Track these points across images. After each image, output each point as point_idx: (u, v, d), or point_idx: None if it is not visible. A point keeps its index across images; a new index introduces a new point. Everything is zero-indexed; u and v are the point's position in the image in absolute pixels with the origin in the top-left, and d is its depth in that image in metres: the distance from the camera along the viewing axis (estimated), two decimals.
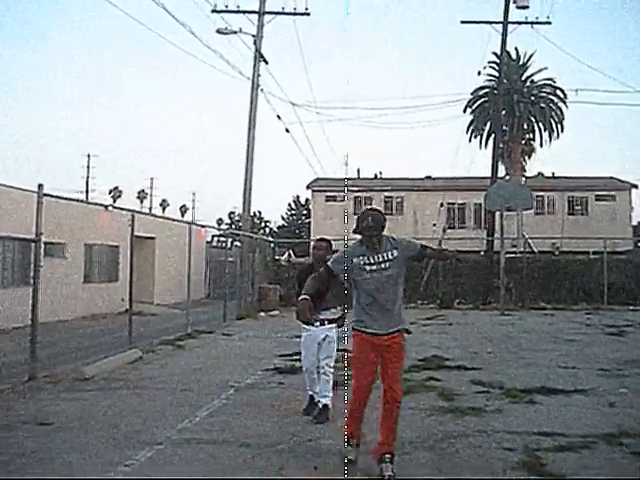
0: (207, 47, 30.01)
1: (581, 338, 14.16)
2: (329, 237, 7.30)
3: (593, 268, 25.06)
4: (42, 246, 9.49)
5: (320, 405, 6.90)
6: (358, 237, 5.07)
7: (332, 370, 7.05)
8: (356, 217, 5.10)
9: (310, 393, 7.16)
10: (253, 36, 22.61)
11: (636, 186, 38.85)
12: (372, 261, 4.95)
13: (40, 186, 9.15)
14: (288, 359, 11.00)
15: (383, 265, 4.95)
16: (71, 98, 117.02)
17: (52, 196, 10.08)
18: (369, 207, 5.26)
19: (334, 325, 7.02)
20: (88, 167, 64.11)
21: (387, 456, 4.90)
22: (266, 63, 23.28)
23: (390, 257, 4.97)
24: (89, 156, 64.38)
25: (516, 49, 40.18)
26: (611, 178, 40.30)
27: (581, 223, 37.45)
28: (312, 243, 7.14)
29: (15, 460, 5.42)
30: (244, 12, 22.98)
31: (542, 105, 39.49)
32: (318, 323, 6.87)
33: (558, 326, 16.90)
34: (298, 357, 11.07)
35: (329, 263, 5.16)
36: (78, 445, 5.87)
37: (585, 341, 13.66)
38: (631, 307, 22.89)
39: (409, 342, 13.42)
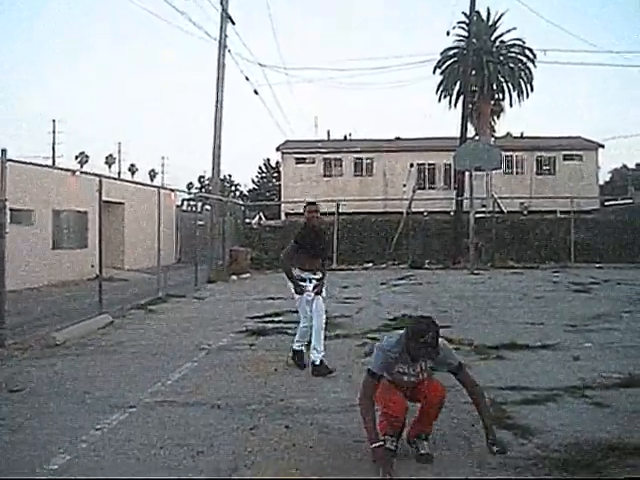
0: (174, 8, 29.40)
1: (548, 295, 14.42)
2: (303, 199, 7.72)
3: (561, 227, 25.42)
4: (7, 212, 9.36)
5: (317, 362, 7.21)
6: None
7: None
8: (418, 333, 4.53)
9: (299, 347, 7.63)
10: None
11: (603, 146, 39.23)
12: (411, 372, 4.79)
13: (3, 151, 8.96)
14: (259, 321, 11.09)
15: (419, 374, 4.82)
16: (36, 62, 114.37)
17: (16, 161, 9.88)
18: (428, 322, 4.63)
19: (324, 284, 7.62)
20: (54, 132, 63.19)
21: (423, 435, 4.87)
22: (233, 24, 22.98)
23: (427, 367, 4.83)
24: (54, 121, 63.38)
25: (488, 9, 39.99)
26: (578, 138, 40.56)
27: (549, 182, 37.80)
28: (307, 206, 7.97)
29: None
30: None
31: (511, 65, 39.42)
32: (310, 287, 7.47)
33: (526, 284, 17.16)
34: (269, 319, 11.23)
35: (371, 367, 4.72)
36: (50, 410, 5.87)
37: (552, 298, 13.90)
38: (597, 265, 23.28)
39: (380, 302, 13.62)
